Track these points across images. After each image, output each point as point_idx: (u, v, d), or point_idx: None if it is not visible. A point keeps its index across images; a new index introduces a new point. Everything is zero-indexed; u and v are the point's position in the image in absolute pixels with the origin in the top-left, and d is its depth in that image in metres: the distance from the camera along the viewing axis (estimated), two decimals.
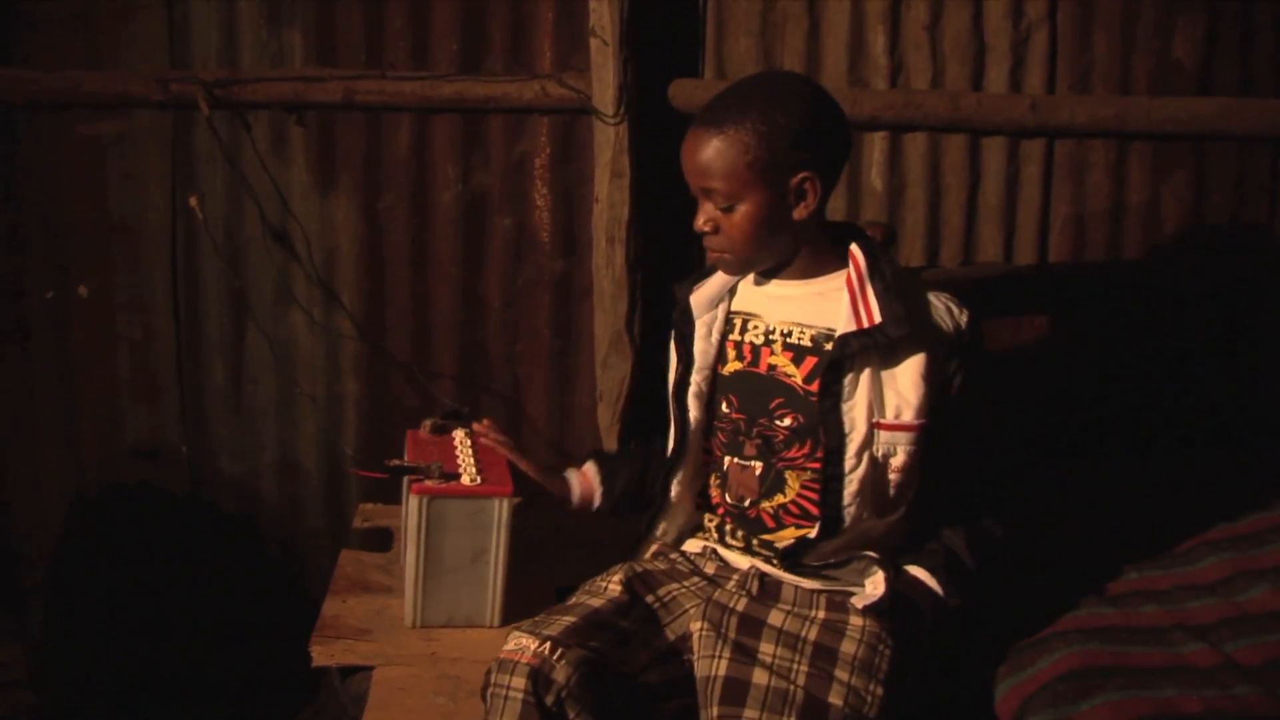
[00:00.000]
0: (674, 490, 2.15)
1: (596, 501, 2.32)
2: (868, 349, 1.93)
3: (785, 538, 2.04)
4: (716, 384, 2.11)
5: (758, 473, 2.06)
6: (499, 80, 2.95)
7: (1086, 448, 2.88)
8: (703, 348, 2.10)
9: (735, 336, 2.10)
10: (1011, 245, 3.05)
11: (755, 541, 2.08)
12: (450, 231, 3.04)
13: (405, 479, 2.33)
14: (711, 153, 1.93)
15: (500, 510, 2.23)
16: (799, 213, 1.95)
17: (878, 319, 1.94)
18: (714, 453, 2.13)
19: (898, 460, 1.97)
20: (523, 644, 1.86)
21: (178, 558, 3.18)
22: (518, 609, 2.28)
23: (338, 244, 3.06)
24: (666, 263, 2.90)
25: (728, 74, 2.96)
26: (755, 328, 2.07)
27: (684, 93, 2.92)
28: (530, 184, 3.03)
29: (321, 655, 2.23)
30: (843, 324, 1.96)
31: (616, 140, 2.82)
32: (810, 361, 2.01)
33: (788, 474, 2.03)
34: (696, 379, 2.10)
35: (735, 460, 2.09)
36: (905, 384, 1.95)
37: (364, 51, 2.97)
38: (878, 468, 1.96)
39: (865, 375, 1.94)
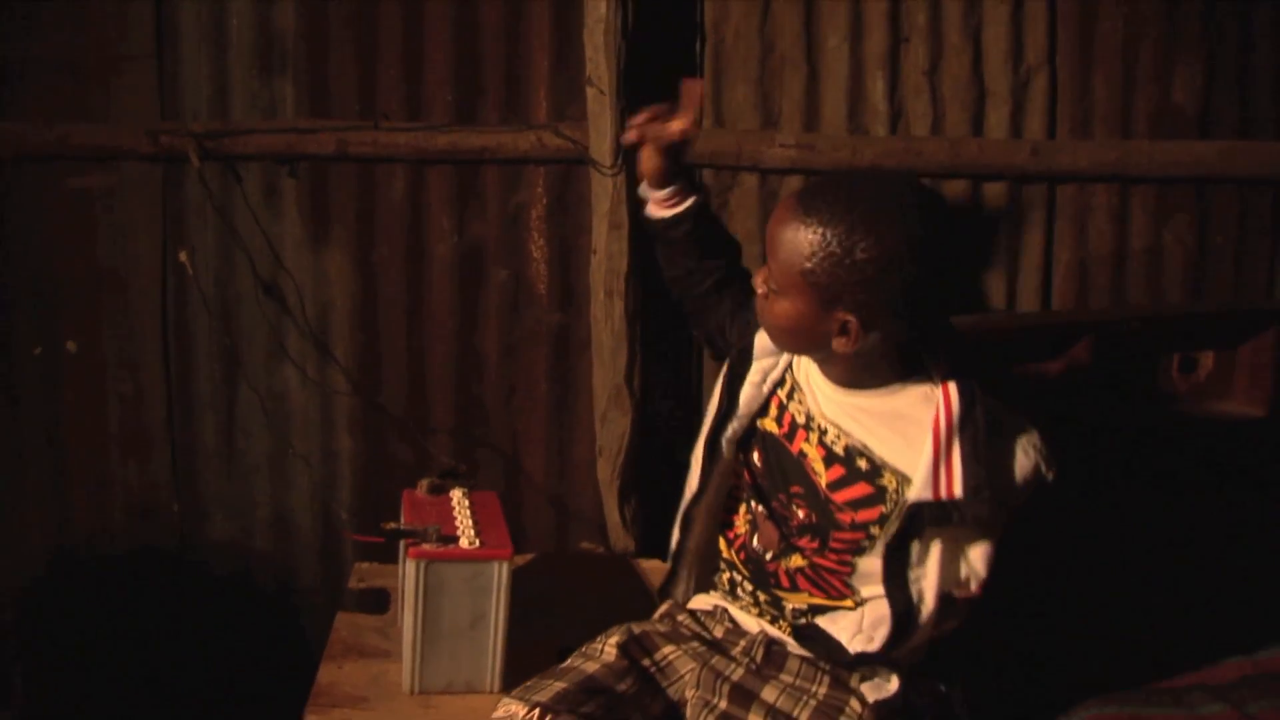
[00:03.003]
0: (696, 529, 2.10)
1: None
2: (939, 522, 1.80)
3: (797, 601, 1.99)
4: (753, 432, 2.02)
5: (775, 534, 2.01)
6: (494, 131, 2.92)
7: (1103, 492, 2.82)
8: (750, 394, 2.00)
9: (781, 396, 1.99)
10: (1015, 291, 3.01)
11: (764, 597, 2.03)
12: (446, 284, 3.00)
13: (402, 542, 2.28)
14: (783, 231, 1.77)
15: (500, 573, 2.20)
16: (837, 345, 1.79)
17: (958, 492, 1.78)
18: (743, 493, 2.07)
19: (953, 623, 1.89)
20: (512, 710, 1.84)
21: (168, 619, 3.12)
22: (519, 672, 2.22)
23: (331, 298, 3.02)
24: (666, 315, 2.87)
25: (725, 122, 2.93)
26: (800, 403, 1.96)
27: None
28: (527, 235, 3.00)
29: None
30: (918, 484, 1.80)
31: (614, 191, 2.79)
32: (837, 470, 1.91)
33: (796, 552, 1.98)
34: (734, 426, 2.01)
35: (763, 511, 2.03)
36: (976, 556, 1.84)
37: (357, 102, 2.94)
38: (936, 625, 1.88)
39: (936, 544, 1.82)
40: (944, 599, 1.84)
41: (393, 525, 2.29)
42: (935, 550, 1.82)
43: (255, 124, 2.93)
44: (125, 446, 3.08)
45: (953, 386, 1.82)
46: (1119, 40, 2.93)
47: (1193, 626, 2.34)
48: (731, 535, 2.09)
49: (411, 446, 3.05)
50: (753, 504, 2.04)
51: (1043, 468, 1.84)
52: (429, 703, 2.22)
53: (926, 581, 1.83)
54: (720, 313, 2.17)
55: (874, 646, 1.88)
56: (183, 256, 2.97)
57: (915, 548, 1.82)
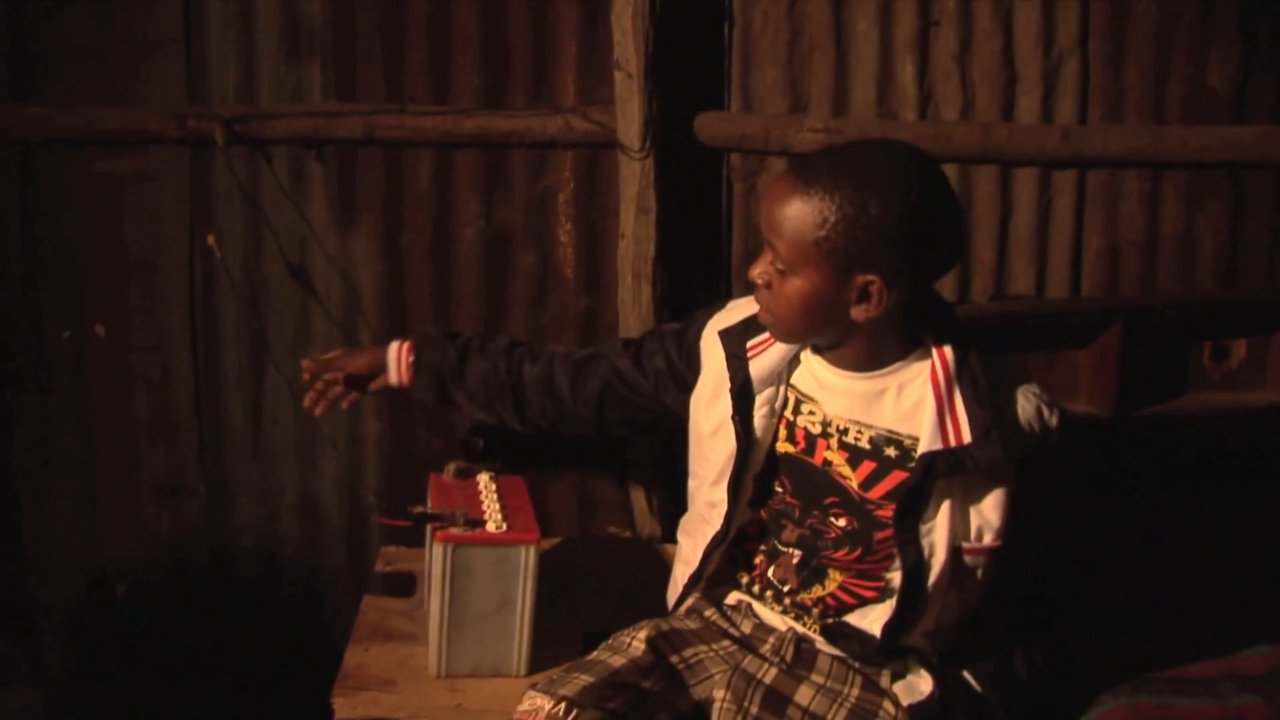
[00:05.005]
0: (713, 563, 2.07)
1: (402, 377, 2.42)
2: (954, 470, 1.80)
3: (822, 609, 1.98)
4: (770, 459, 2.00)
5: (794, 561, 1.98)
6: (521, 115, 2.90)
7: (1135, 483, 2.80)
8: (765, 425, 1.96)
9: (788, 415, 1.96)
10: (1044, 278, 2.98)
11: (789, 601, 2.01)
12: (473, 269, 2.99)
13: (429, 525, 2.28)
14: (788, 209, 1.75)
15: (527, 558, 2.19)
16: (857, 313, 1.78)
17: (967, 437, 1.79)
18: (755, 528, 2.04)
19: (973, 581, 1.87)
20: (537, 704, 1.82)
21: (195, 600, 3.13)
22: (545, 656, 2.25)
23: (358, 282, 3.01)
24: (694, 299, 2.85)
25: (753, 106, 2.91)
26: (811, 413, 1.94)
27: (710, 126, 2.88)
28: (554, 220, 2.98)
29: (344, 707, 2.19)
30: (926, 436, 1.81)
31: (642, 175, 2.77)
32: (867, 466, 1.89)
33: (830, 570, 1.95)
34: (756, 458, 1.98)
35: (775, 542, 2.01)
36: (989, 505, 1.83)
37: (384, 86, 2.93)
38: (954, 589, 1.87)
39: (947, 496, 1.82)
40: (955, 554, 1.83)
41: (419, 509, 2.29)
42: (946, 504, 1.82)
43: (282, 108, 2.93)
44: (153, 430, 3.09)
45: (946, 344, 1.84)
46: (1152, 24, 2.89)
47: (1221, 617, 2.32)
48: (750, 564, 2.08)
49: (438, 430, 3.05)
50: (769, 538, 2.02)
51: (1045, 412, 1.86)
52: (455, 686, 2.23)
53: (937, 534, 1.83)
54: (640, 388, 2.24)
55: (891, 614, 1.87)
56: (210, 240, 2.97)
57: (927, 501, 1.82)
